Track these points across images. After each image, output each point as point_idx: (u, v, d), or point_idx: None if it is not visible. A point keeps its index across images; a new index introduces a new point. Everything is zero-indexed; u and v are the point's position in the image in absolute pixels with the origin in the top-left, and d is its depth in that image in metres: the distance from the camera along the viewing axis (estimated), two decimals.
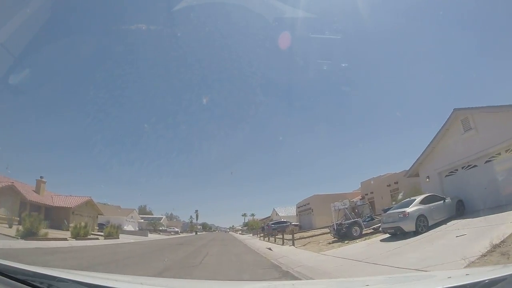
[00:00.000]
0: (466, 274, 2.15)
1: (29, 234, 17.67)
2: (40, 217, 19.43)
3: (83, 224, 23.92)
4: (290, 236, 17.97)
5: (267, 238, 27.03)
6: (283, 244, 18.47)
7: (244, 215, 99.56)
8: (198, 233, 79.64)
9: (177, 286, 3.15)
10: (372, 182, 29.88)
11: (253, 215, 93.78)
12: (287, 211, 55.69)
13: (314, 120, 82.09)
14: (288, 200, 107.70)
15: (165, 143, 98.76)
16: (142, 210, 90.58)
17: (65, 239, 19.41)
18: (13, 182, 27.31)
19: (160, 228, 65.06)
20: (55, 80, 44.43)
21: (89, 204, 37.68)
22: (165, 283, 3.35)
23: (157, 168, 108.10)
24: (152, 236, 42.99)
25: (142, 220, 67.65)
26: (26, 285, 1.98)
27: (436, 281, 2.27)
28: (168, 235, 53.98)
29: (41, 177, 33.88)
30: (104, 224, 37.44)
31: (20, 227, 19.12)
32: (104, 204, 57.93)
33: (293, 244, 16.60)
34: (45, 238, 18.10)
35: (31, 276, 2.08)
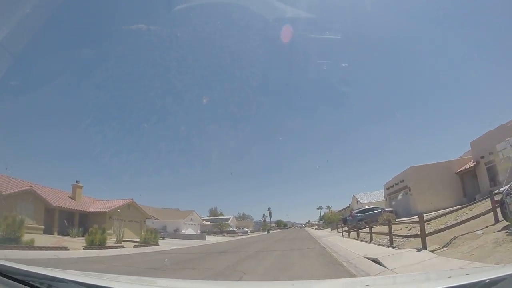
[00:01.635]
0: (466, 274, 2.20)
1: (3, 241, 15.87)
2: (21, 220, 17.75)
3: (98, 229, 22.41)
4: (388, 228, 12.49)
5: (352, 232, 22.18)
6: (391, 244, 11.89)
7: (320, 208, 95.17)
8: (270, 232, 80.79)
9: (177, 286, 3.27)
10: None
11: (329, 207, 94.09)
12: (371, 197, 51.33)
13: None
14: (367, 187, 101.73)
15: (235, 142, 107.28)
16: (213, 212, 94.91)
17: (65, 249, 17.81)
18: (31, 186, 27.51)
19: (228, 230, 65.31)
20: (55, 80, 47.78)
21: (132, 207, 37.44)
22: (165, 283, 3.43)
23: (230, 168, 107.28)
24: (212, 239, 42.32)
25: (209, 222, 69.14)
26: (26, 285, 2.13)
27: (436, 281, 2.39)
28: (233, 237, 54.04)
29: (77, 181, 34.46)
30: (160, 230, 38.85)
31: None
32: (163, 208, 61.06)
33: (424, 246, 9.26)
34: (29, 246, 16.30)
35: (31, 276, 2.23)
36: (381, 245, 12.95)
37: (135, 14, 39.87)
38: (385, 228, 14.44)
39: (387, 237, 12.77)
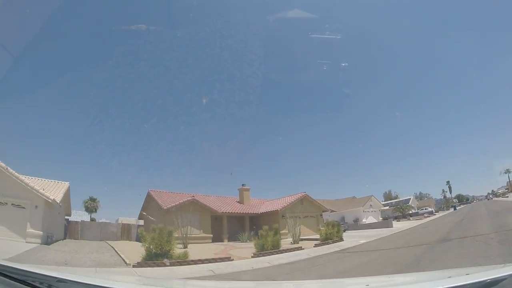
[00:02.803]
0: (466, 274, 2.31)
1: (150, 257, 14.77)
2: (169, 232, 15.71)
3: (269, 231, 19.90)
4: None
5: None
6: None
7: (507, 171, 78.28)
8: (457, 208, 73.45)
9: (176, 287, 3.32)
10: None
11: None
12: None
13: None
14: None
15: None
16: (388, 196, 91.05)
17: (227, 260, 15.74)
18: (193, 196, 29.90)
19: (410, 212, 61.17)
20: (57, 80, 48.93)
21: (306, 201, 36.75)
22: (165, 283, 3.58)
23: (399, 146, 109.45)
24: (399, 225, 38.70)
25: (387, 207, 64.56)
26: (26, 285, 2.19)
27: (436, 281, 2.45)
28: (420, 219, 48.86)
29: (242, 185, 36.44)
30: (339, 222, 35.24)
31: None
32: (336, 199, 57.22)
33: None
34: (180, 261, 14.51)
35: (31, 276, 2.30)
36: None
37: (135, 14, 42.13)
38: None
39: None
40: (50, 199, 21.51)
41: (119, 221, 40.28)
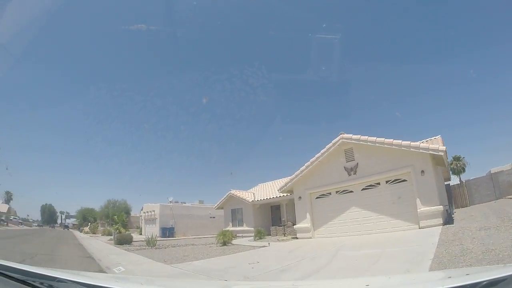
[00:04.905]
0: (466, 274, 2.32)
1: None
2: None
3: None
4: None
5: None
6: None
7: None
8: None
9: (176, 287, 3.26)
10: None
11: None
12: None
13: None
14: None
15: None
16: None
17: None
18: None
19: None
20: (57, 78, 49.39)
21: None
22: (165, 283, 3.43)
23: None
24: None
25: None
26: (26, 285, 2.23)
27: (436, 281, 2.52)
28: None
29: None
30: None
31: None
32: None
33: None
34: None
35: (31, 276, 2.34)
36: None
37: (135, 14, 42.06)
38: None
39: None
40: (442, 151, 14.05)
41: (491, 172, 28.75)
